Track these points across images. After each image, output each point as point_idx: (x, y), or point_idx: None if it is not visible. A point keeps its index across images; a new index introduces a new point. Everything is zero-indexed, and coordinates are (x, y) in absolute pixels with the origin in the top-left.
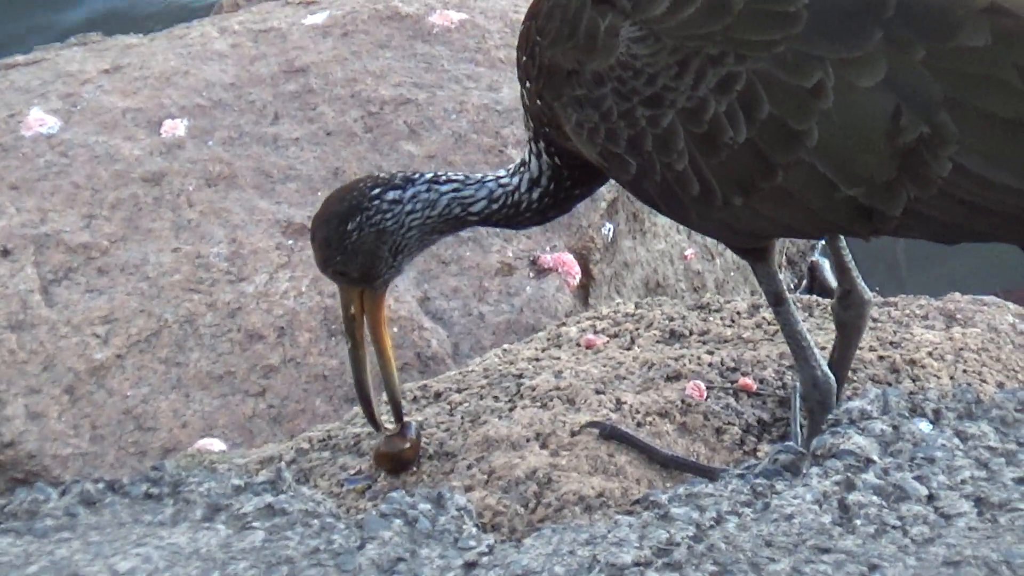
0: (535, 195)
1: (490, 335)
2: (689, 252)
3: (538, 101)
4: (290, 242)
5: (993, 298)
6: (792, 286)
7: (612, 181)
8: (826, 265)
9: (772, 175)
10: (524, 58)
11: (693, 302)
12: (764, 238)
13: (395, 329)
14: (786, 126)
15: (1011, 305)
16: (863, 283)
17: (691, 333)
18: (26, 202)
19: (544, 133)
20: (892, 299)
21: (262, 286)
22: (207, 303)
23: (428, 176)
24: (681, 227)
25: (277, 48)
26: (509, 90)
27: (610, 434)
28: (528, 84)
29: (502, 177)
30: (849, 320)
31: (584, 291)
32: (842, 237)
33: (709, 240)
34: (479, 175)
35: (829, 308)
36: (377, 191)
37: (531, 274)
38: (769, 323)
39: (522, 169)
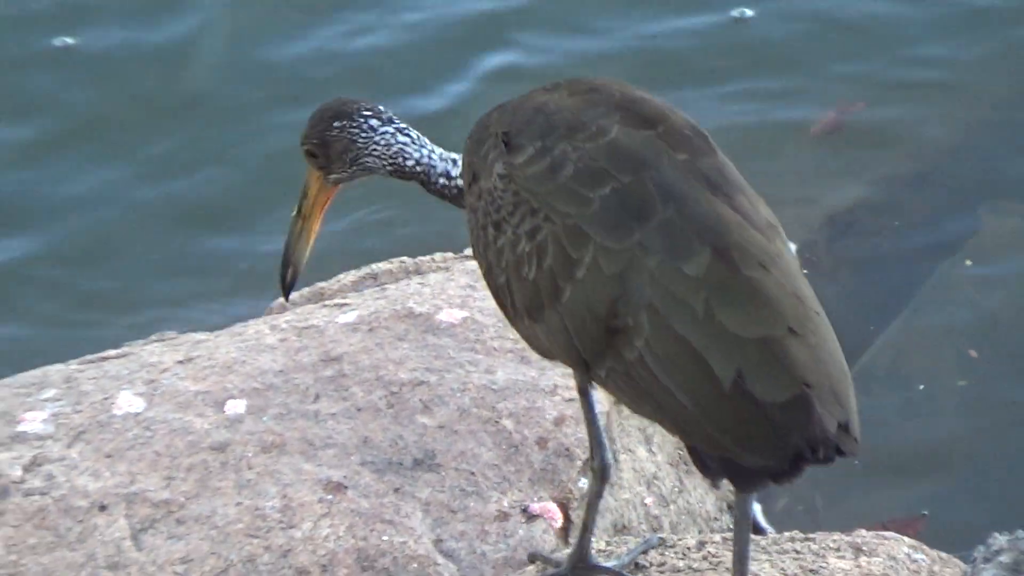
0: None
1: (491, 569)
2: (649, 500)
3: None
4: (329, 497)
5: (892, 533)
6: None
7: (585, 450)
8: (758, 509)
9: (541, 313)
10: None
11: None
12: (548, 359)
13: (415, 565)
14: (556, 281)
15: (906, 539)
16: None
17: (651, 565)
18: (118, 467)
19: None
20: (811, 535)
21: (308, 532)
22: (264, 546)
23: (401, 125)
24: (643, 478)
25: (317, 341)
26: (503, 373)
27: None
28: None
29: (440, 155)
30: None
31: (564, 532)
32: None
33: (664, 489)
34: (431, 146)
35: (762, 548)
36: (368, 114)
37: (523, 520)
38: (714, 555)
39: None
